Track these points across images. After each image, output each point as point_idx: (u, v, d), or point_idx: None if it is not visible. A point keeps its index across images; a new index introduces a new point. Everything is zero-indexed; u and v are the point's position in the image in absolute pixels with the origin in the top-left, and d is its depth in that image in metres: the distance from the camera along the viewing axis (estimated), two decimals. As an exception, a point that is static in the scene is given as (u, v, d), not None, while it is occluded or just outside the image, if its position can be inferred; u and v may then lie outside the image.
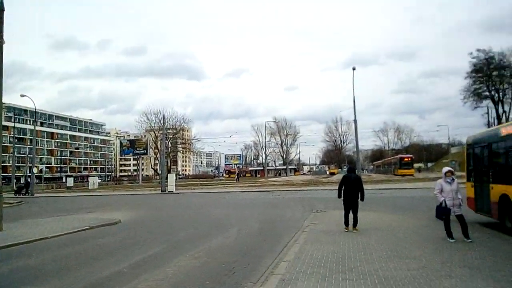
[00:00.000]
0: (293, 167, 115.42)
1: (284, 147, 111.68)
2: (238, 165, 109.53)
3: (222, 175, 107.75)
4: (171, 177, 41.00)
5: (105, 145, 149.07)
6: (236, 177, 72.36)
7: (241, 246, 9.50)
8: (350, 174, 10.80)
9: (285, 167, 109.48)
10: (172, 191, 37.53)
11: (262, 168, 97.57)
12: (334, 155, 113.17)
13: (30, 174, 51.29)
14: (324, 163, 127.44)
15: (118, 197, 35.42)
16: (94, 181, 60.57)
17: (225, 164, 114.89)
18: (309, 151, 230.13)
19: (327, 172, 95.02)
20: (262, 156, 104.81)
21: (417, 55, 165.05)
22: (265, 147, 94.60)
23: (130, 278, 6.67)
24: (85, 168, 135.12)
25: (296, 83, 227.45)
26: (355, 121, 35.64)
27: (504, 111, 57.97)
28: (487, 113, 59.29)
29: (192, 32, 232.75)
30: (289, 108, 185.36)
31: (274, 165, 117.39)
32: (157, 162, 77.64)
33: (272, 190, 35.27)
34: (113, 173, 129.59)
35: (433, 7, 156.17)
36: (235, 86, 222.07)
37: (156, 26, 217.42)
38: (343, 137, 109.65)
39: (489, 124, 53.38)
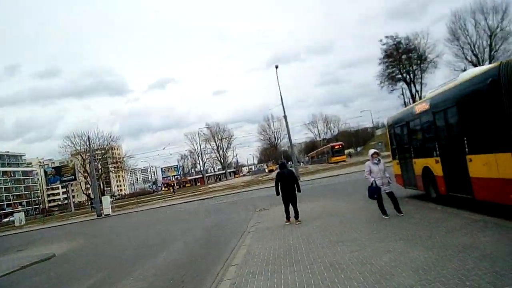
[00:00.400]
0: (232, 170, 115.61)
1: (221, 152, 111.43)
2: (176, 176, 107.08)
3: (161, 189, 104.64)
4: (106, 200, 38.98)
5: (27, 177, 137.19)
6: (172, 189, 70.49)
7: (188, 258, 9.29)
8: (283, 170, 11.03)
9: (224, 171, 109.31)
10: (109, 214, 35.73)
11: (201, 176, 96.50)
12: (271, 153, 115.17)
13: None
14: (262, 161, 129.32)
15: (50, 229, 32.89)
16: (20, 216, 55.44)
17: (163, 178, 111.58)
18: (246, 152, 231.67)
19: (266, 170, 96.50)
20: (199, 163, 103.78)
21: (333, 48, 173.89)
22: (202, 154, 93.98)
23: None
24: (8, 205, 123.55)
25: (224, 86, 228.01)
26: (285, 117, 36.49)
27: (416, 91, 63.14)
28: (402, 94, 64.53)
29: (107, 46, 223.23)
30: (221, 112, 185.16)
31: (213, 171, 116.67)
32: (89, 186, 73.34)
33: (214, 196, 35.03)
34: (41, 205, 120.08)
35: (341, 1, 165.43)
36: (162, 96, 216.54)
37: (66, 44, 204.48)
38: (276, 133, 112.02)
39: (405, 104, 57.83)
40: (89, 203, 73.89)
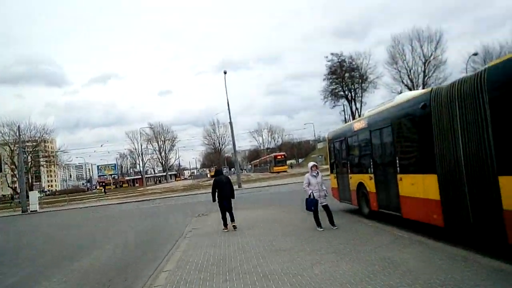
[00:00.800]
0: (174, 173, 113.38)
1: (163, 153, 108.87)
2: (113, 175, 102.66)
3: (96, 187, 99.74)
4: (34, 195, 36.42)
5: None
6: (102, 189, 67.30)
7: (118, 261, 8.89)
8: (220, 177, 11.03)
9: (165, 173, 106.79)
10: (36, 210, 33.37)
11: (140, 176, 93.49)
12: (214, 158, 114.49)
13: None
14: (205, 166, 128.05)
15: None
16: None
17: (99, 176, 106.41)
18: (189, 155, 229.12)
19: (208, 175, 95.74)
20: (139, 164, 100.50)
21: (281, 59, 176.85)
22: (142, 154, 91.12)
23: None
24: None
25: (170, 87, 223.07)
26: (230, 123, 36.51)
27: (356, 108, 66.46)
28: (344, 110, 67.50)
29: (48, 34, 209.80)
30: (165, 113, 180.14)
31: (153, 173, 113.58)
32: (16, 179, 68.06)
33: (153, 198, 34.05)
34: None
35: (292, 14, 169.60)
36: (104, 92, 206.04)
37: (2, 26, 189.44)
38: (221, 139, 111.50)
39: (345, 121, 60.55)
40: (12, 197, 68.54)
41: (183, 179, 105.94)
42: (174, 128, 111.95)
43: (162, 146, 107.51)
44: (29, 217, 29.78)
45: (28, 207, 34.28)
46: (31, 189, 51.46)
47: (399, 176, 8.27)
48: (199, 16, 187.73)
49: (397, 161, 8.37)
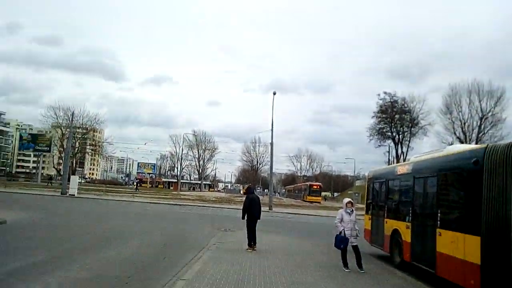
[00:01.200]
0: (208, 183, 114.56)
1: (201, 162, 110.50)
2: (151, 174, 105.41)
3: (133, 183, 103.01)
4: (74, 180, 37.98)
5: (2, 136, 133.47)
6: (135, 186, 69.07)
7: (140, 260, 9.00)
8: (252, 195, 11.02)
9: (200, 182, 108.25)
10: (74, 195, 34.73)
11: (176, 180, 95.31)
12: (250, 175, 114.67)
13: None
14: (239, 182, 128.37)
15: (9, 194, 31.74)
16: (-18, 174, 53.73)
17: (137, 172, 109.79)
18: (226, 168, 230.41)
19: (241, 192, 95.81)
20: (177, 168, 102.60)
21: (331, 90, 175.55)
22: (181, 159, 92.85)
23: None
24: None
25: (219, 99, 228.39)
26: (271, 144, 36.65)
27: (402, 152, 64.23)
28: (388, 152, 65.38)
29: (115, 29, 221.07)
30: (210, 123, 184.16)
31: (189, 179, 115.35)
32: (61, 161, 71.68)
33: (184, 204, 34.49)
34: (7, 168, 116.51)
35: (349, 47, 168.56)
36: (156, 93, 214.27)
37: (75, 17, 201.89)
38: (259, 158, 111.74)
39: (389, 162, 58.67)
40: (51, 178, 71.71)
41: (216, 191, 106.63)
42: (216, 139, 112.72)
43: (201, 154, 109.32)
44: (67, 200, 31.10)
45: (67, 190, 35.83)
46: (73, 174, 53.73)
47: (438, 230, 7.82)
48: (258, 36, 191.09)
49: (439, 214, 7.93)
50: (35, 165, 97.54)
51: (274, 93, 35.44)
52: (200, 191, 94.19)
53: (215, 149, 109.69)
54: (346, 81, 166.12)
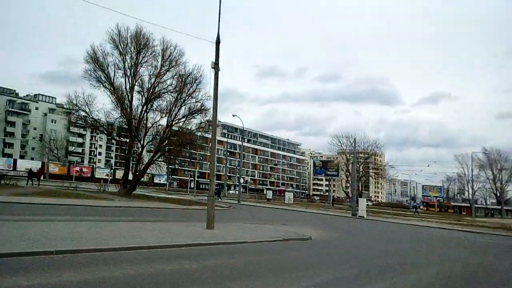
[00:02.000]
0: (510, 208, 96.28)
1: (498, 184, 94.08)
2: (438, 197, 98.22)
3: (419, 207, 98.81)
4: (362, 202, 39.95)
5: (299, 164, 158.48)
6: (414, 210, 66.05)
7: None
8: None
9: (499, 207, 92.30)
10: (363, 217, 36.44)
11: (468, 205, 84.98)
12: None
13: (237, 183, 58.72)
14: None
15: (309, 214, 36.62)
16: (289, 196, 64.59)
17: (423, 195, 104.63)
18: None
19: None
20: (468, 191, 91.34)
21: None
22: (472, 181, 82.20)
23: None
24: (282, 183, 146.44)
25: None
26: None
27: None
28: None
29: (385, 56, 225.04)
30: (503, 138, 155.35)
31: (484, 203, 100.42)
32: (348, 185, 77.33)
33: (482, 232, 30.11)
34: (306, 191, 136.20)
35: None
36: (433, 111, 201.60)
37: (349, 52, 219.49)
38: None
39: None
40: (347, 200, 77.88)
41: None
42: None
43: (497, 175, 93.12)
44: (358, 221, 32.94)
45: (357, 212, 38.03)
46: (360, 196, 56.90)
47: None
48: None
49: None
50: (327, 188, 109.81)
51: None
52: (501, 217, 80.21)
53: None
54: None
